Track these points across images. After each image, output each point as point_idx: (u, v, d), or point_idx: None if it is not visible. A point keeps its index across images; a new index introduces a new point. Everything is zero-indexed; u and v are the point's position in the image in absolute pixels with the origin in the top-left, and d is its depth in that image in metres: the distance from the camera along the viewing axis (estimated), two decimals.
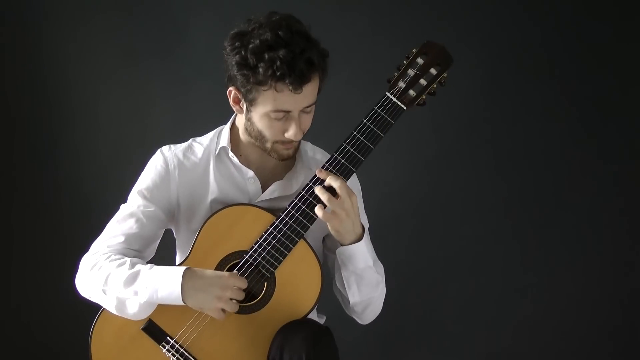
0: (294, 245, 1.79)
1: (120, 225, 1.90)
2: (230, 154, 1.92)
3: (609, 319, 3.03)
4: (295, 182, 1.93)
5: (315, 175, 1.80)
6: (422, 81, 1.83)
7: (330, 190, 1.77)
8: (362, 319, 1.97)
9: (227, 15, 2.77)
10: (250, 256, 1.81)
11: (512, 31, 2.98)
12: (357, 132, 1.80)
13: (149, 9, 3.02)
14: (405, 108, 1.82)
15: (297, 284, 1.82)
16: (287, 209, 1.80)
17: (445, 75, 1.84)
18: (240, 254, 1.82)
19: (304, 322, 1.80)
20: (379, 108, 1.81)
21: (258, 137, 1.86)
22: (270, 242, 1.80)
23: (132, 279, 1.77)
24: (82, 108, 3.08)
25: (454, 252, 3.05)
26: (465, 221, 3.05)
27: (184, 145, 1.97)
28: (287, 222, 1.79)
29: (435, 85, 1.84)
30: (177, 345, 1.80)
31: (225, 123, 1.97)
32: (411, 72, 1.83)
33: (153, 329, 1.81)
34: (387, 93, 1.82)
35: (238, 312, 1.78)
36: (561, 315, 3.04)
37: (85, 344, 1.85)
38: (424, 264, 3.07)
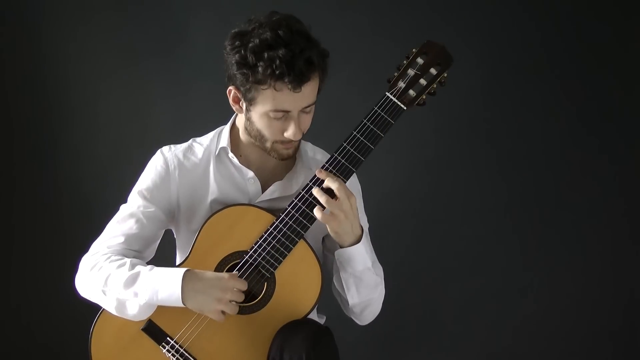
0: (294, 246, 1.79)
1: (120, 225, 1.90)
2: (230, 155, 1.92)
3: (609, 319, 3.03)
4: (296, 182, 1.93)
5: (316, 175, 1.80)
6: (422, 81, 1.83)
7: (329, 191, 1.77)
8: (360, 320, 1.97)
9: (227, 15, 2.79)
10: (250, 256, 1.81)
11: (512, 31, 2.98)
12: (357, 132, 1.80)
13: (149, 9, 3.02)
14: (405, 108, 1.82)
15: (297, 284, 1.82)
16: (287, 209, 1.80)
17: (446, 75, 1.84)
18: (240, 254, 1.82)
19: (304, 322, 1.80)
20: (379, 108, 1.81)
21: (258, 137, 1.85)
22: (270, 242, 1.80)
23: (132, 280, 1.77)
24: (82, 108, 3.08)
25: (454, 252, 3.05)
26: (465, 221, 3.05)
27: (184, 145, 1.97)
28: (287, 223, 1.79)
29: (435, 85, 1.84)
30: (177, 346, 1.80)
31: (225, 123, 1.97)
32: (411, 72, 1.83)
33: (153, 329, 1.81)
34: (387, 93, 1.82)
35: (238, 313, 1.78)
36: (561, 315, 3.04)
37: (85, 344, 1.85)
38: (424, 264, 3.07)
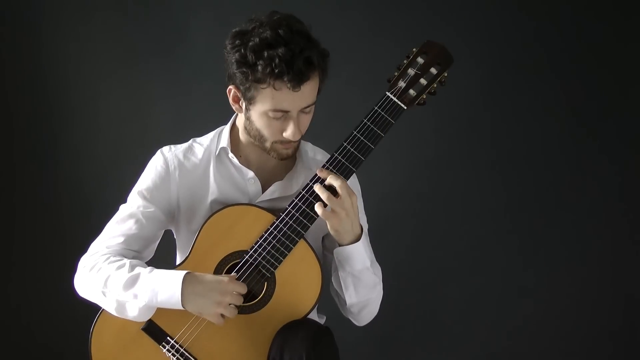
0: (294, 245, 1.79)
1: (120, 225, 1.90)
2: (230, 155, 1.92)
3: (609, 319, 3.03)
4: (296, 182, 1.93)
5: (316, 175, 1.80)
6: (422, 81, 1.83)
7: (331, 189, 1.77)
8: (358, 321, 1.97)
9: (227, 15, 2.80)
10: (251, 256, 1.81)
11: (512, 31, 2.98)
12: (357, 132, 1.80)
13: (149, 9, 3.02)
14: (405, 107, 1.82)
15: (297, 283, 1.81)
16: (287, 208, 1.80)
17: (446, 74, 1.84)
18: (240, 253, 1.82)
19: (304, 322, 1.80)
20: (379, 108, 1.81)
21: (257, 137, 1.85)
22: (270, 242, 1.80)
23: (132, 282, 1.77)
24: (82, 108, 3.08)
25: (454, 252, 3.05)
26: (465, 221, 3.05)
27: (185, 145, 1.97)
28: (287, 222, 1.79)
29: (435, 85, 1.84)
30: (177, 345, 1.80)
31: (225, 123, 1.97)
32: (411, 72, 1.83)
33: (153, 329, 1.81)
34: (387, 93, 1.82)
35: (238, 312, 1.78)
36: (561, 315, 3.04)
37: (85, 344, 1.84)
38: (424, 264, 3.07)
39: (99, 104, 3.07)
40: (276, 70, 1.71)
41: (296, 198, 1.80)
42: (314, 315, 1.97)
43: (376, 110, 1.81)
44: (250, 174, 1.91)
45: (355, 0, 3.01)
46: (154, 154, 1.96)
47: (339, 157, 1.80)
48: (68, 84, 3.06)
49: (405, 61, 1.84)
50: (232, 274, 1.80)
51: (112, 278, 1.79)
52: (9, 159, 3.09)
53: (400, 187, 3.03)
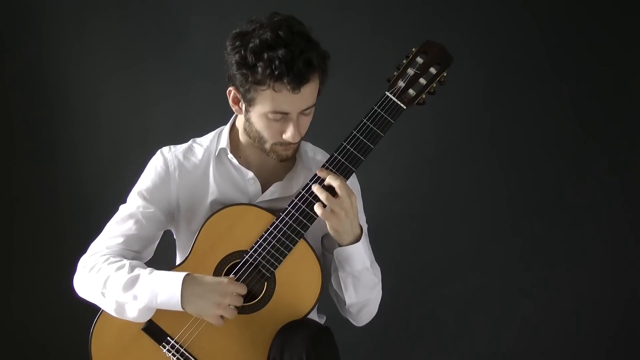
0: (294, 245, 1.79)
1: (120, 226, 1.90)
2: (230, 155, 1.92)
3: (609, 319, 3.03)
4: (296, 182, 1.93)
5: (316, 175, 1.80)
6: (422, 80, 1.83)
7: (330, 189, 1.77)
8: (357, 321, 1.97)
9: (227, 15, 2.80)
10: (250, 256, 1.81)
11: (513, 31, 2.98)
12: (357, 132, 1.80)
13: (149, 9, 3.02)
14: (405, 107, 1.82)
15: (297, 283, 1.81)
16: (287, 208, 1.80)
17: (445, 74, 1.84)
18: (240, 253, 1.82)
19: (304, 322, 1.80)
20: (378, 107, 1.81)
21: (257, 138, 1.85)
22: (270, 242, 1.80)
23: (132, 283, 1.77)
24: (82, 108, 3.07)
25: (454, 252, 3.05)
26: (465, 221, 3.05)
27: (184, 146, 1.97)
28: (287, 222, 1.79)
29: (435, 85, 1.84)
30: (177, 345, 1.80)
31: (225, 123, 1.97)
32: (411, 72, 1.83)
33: (153, 329, 1.81)
34: (386, 92, 1.82)
35: (238, 312, 1.78)
36: (561, 315, 3.04)
37: (85, 344, 1.84)
38: (424, 264, 3.07)
39: (99, 104, 3.07)
40: (276, 72, 1.70)
41: (296, 198, 1.80)
42: (314, 315, 1.97)
43: (376, 110, 1.81)
44: (250, 174, 1.91)
45: (355, 0, 3.01)
46: (153, 154, 1.96)
47: (339, 157, 1.80)
48: (68, 84, 3.06)
49: (404, 61, 1.84)
50: (232, 274, 1.80)
51: (111, 279, 1.79)
52: (9, 159, 3.09)
53: (400, 187, 3.03)
